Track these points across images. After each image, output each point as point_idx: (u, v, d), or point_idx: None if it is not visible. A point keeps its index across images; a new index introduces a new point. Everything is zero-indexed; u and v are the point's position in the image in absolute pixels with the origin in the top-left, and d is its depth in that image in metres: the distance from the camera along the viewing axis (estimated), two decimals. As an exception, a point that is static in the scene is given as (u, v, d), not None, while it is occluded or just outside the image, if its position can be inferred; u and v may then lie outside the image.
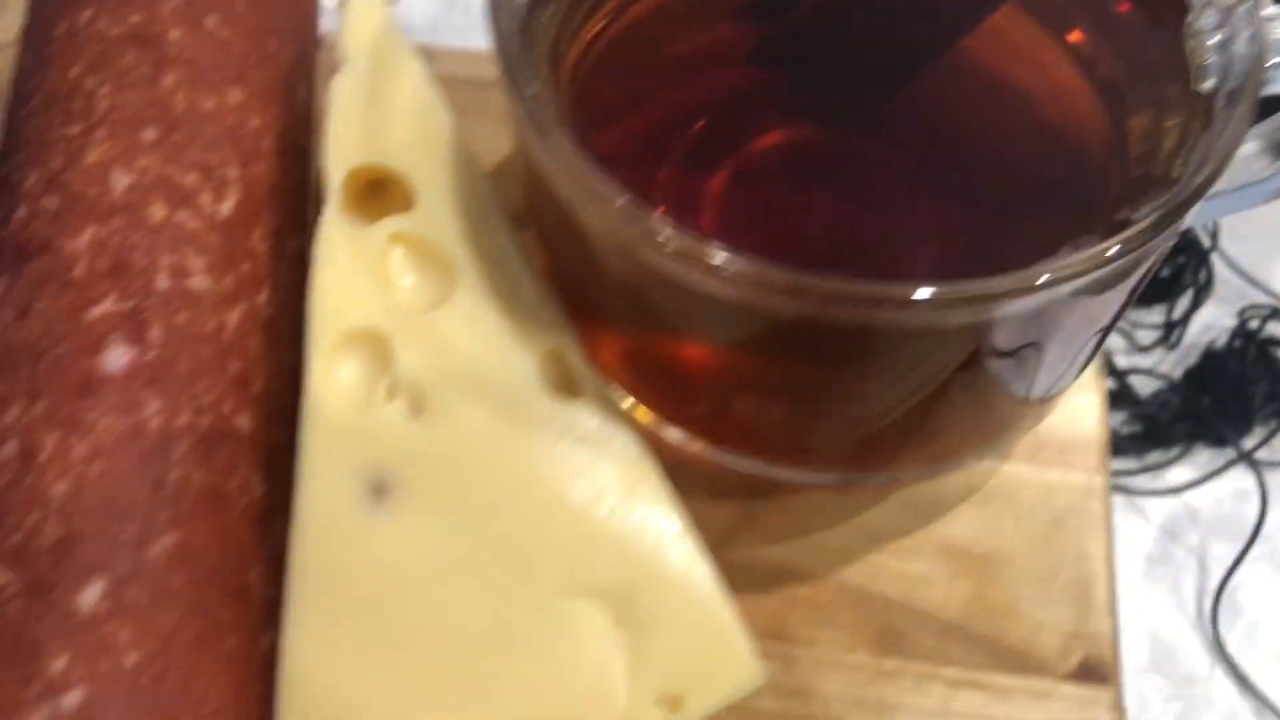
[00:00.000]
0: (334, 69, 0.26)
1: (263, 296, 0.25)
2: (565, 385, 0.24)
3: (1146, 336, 0.49)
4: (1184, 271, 0.48)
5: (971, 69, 0.26)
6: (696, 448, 0.25)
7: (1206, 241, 0.49)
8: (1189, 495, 0.45)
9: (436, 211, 0.24)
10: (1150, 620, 0.48)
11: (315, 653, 0.21)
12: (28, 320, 0.23)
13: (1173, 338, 0.48)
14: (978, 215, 0.25)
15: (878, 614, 0.27)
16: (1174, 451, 0.46)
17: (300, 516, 0.22)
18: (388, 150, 0.25)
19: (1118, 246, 0.20)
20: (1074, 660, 0.26)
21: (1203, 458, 0.46)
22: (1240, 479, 0.46)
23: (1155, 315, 0.50)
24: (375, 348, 0.23)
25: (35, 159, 0.25)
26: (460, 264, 0.24)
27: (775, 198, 0.26)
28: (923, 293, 0.19)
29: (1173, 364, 0.48)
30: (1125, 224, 0.22)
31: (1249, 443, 0.46)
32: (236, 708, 0.21)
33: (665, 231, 0.19)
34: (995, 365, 0.23)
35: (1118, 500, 0.49)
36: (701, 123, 0.26)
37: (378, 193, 0.25)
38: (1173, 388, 0.47)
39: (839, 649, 0.26)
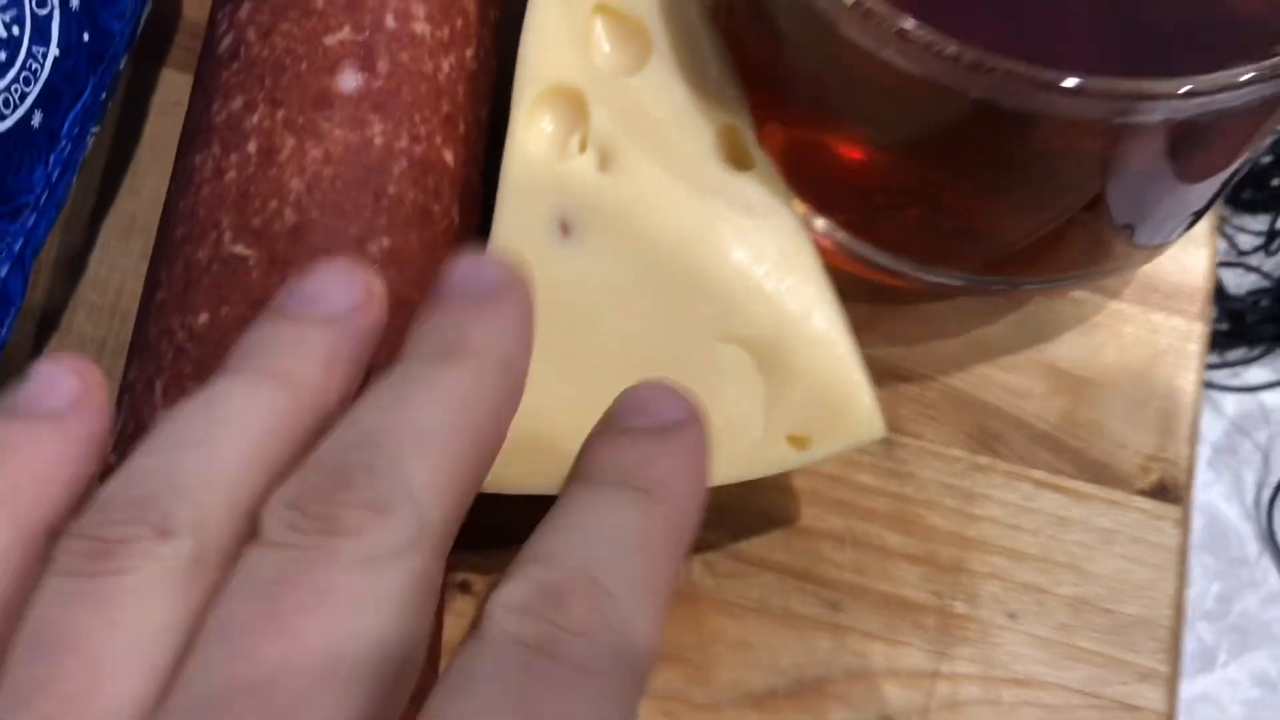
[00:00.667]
0: None
1: (470, 51, 0.27)
2: (737, 158, 0.26)
3: (1248, 242, 0.50)
4: (1294, 181, 0.50)
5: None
6: (841, 238, 0.28)
7: (1321, 154, 0.50)
8: (1265, 395, 0.47)
9: None
10: (1209, 504, 0.50)
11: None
12: (271, 39, 0.26)
13: (1273, 245, 0.49)
14: (1164, 28, 0.26)
15: (978, 416, 0.29)
16: (1256, 351, 0.48)
17: (497, 240, 0.25)
18: None
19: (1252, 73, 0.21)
20: (1151, 479, 0.29)
21: (1283, 361, 0.48)
22: (1318, 383, 0.47)
23: (1258, 223, 0.51)
24: (573, 104, 0.26)
25: None
26: (655, 38, 0.26)
27: None
28: (1078, 81, 0.21)
29: (1270, 269, 0.49)
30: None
31: (1332, 349, 0.47)
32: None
33: None
34: (1129, 184, 0.25)
35: (1194, 392, 0.51)
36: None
37: None
38: (1265, 290, 0.48)
39: (939, 443, 0.29)
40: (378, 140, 0.25)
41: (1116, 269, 0.29)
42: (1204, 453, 0.47)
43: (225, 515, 0.15)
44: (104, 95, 0.29)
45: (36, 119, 0.26)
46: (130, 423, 0.23)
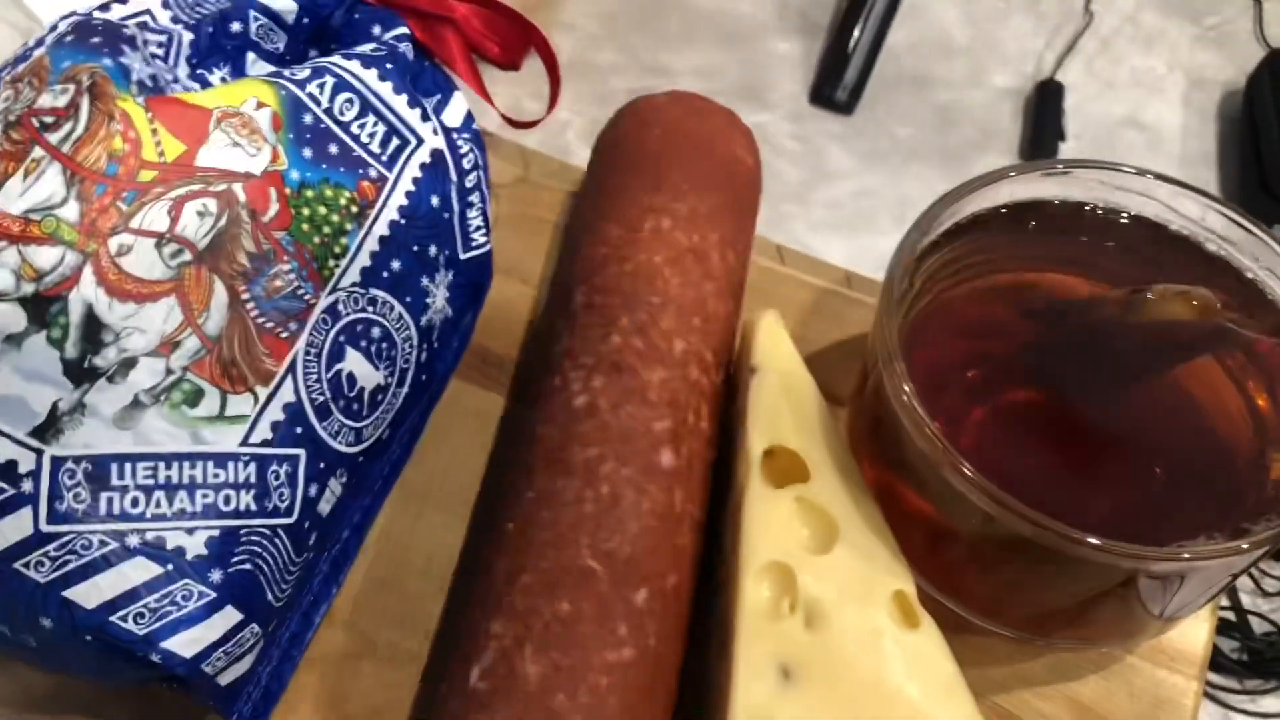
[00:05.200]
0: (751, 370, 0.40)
1: (716, 437, 0.39)
2: (908, 618, 0.35)
3: (1273, 585, 0.59)
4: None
5: (1171, 385, 0.39)
6: (927, 589, 0.38)
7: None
8: (1276, 722, 0.55)
9: (825, 484, 0.37)
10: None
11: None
12: (619, 413, 0.36)
13: (1291, 593, 0.58)
14: (1149, 482, 0.37)
15: (1017, 733, 0.39)
16: (1271, 684, 0.56)
17: (738, 682, 0.33)
18: (786, 434, 0.38)
19: (1239, 545, 0.32)
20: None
21: (1294, 696, 0.56)
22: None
23: (1283, 570, 0.60)
24: (783, 575, 0.35)
25: (627, 308, 0.38)
26: (841, 523, 0.36)
27: (1016, 431, 0.39)
28: (1094, 540, 0.31)
29: (1286, 615, 0.58)
30: (1247, 531, 0.34)
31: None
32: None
33: (939, 446, 0.33)
34: (1139, 593, 0.35)
35: (1216, 711, 0.59)
36: (977, 371, 0.40)
37: (771, 458, 0.38)
38: (1281, 632, 0.57)
39: (985, 749, 0.39)
40: (677, 506, 0.35)
41: (1133, 639, 0.39)
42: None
43: None
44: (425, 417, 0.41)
45: (385, 435, 0.38)
46: (501, 666, 0.32)
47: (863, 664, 0.34)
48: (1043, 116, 0.70)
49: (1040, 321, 0.39)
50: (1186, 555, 0.32)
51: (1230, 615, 0.55)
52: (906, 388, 0.35)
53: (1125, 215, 0.39)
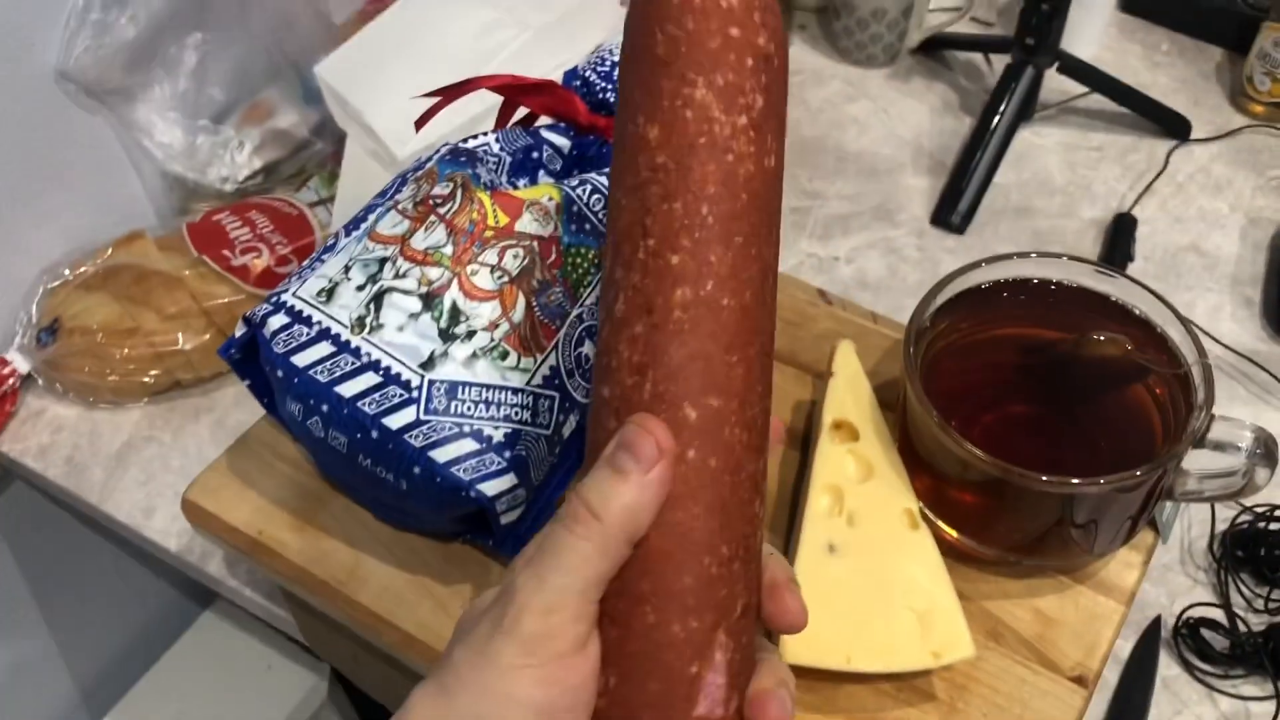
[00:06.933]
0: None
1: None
2: (913, 525, 0.58)
3: (1260, 604, 0.76)
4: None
5: (1115, 401, 0.59)
6: (942, 528, 0.60)
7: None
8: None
9: (868, 443, 0.61)
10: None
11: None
12: None
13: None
14: (1093, 458, 0.57)
15: (994, 625, 0.59)
16: (1248, 673, 0.73)
17: (802, 550, 0.57)
18: (847, 411, 0.62)
19: (1136, 472, 0.53)
20: (1075, 673, 0.57)
21: None
22: None
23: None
24: (837, 493, 0.59)
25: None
26: (875, 466, 0.60)
27: (1010, 430, 0.60)
28: (1051, 478, 0.53)
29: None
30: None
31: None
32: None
33: (954, 437, 0.55)
34: (1073, 522, 0.56)
35: (1203, 691, 0.76)
36: (983, 392, 0.61)
37: (837, 428, 0.62)
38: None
39: (975, 633, 0.59)
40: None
41: (1073, 567, 0.59)
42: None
43: None
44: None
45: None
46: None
47: (882, 548, 0.57)
48: (1115, 241, 0.90)
49: (1021, 357, 0.61)
50: (1101, 481, 0.53)
51: (1224, 620, 0.73)
52: (924, 396, 0.57)
53: (1070, 286, 0.61)
